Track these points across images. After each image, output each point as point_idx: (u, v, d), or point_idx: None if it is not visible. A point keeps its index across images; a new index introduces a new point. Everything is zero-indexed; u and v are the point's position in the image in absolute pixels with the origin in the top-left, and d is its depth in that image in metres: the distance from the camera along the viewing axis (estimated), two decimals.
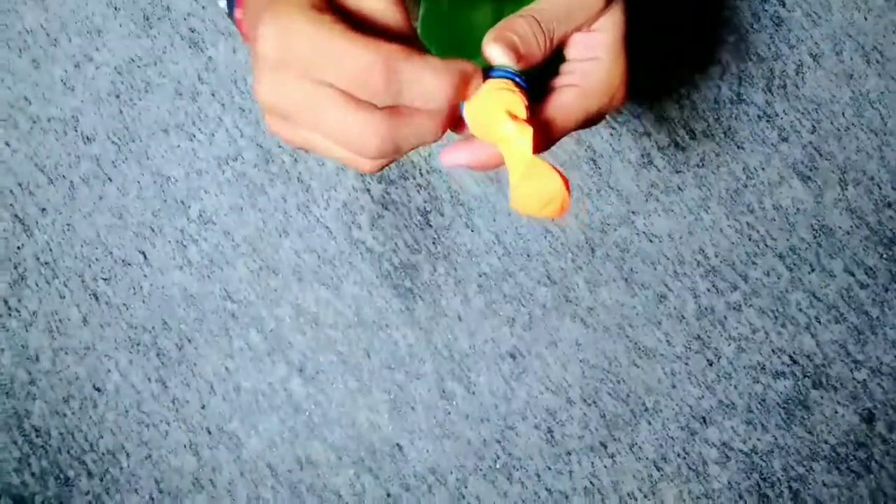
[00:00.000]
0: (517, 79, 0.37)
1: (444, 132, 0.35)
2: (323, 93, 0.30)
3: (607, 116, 0.50)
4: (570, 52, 0.39)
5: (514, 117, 0.37)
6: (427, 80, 0.31)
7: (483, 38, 0.39)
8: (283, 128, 0.32)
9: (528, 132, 0.35)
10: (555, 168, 0.36)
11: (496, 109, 0.36)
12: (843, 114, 0.65)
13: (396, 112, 0.31)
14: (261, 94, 0.30)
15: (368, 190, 0.64)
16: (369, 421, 0.61)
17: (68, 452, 0.61)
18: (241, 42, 0.67)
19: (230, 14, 0.47)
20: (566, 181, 0.37)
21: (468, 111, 0.37)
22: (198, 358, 0.62)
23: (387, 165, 0.34)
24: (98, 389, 0.62)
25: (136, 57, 0.67)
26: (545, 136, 0.38)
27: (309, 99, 0.30)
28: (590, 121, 0.38)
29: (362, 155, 0.31)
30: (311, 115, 0.30)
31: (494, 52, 0.35)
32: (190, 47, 0.67)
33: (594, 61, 0.38)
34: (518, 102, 0.36)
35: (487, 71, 0.37)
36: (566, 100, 0.38)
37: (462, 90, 0.33)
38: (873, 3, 0.66)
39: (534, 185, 0.36)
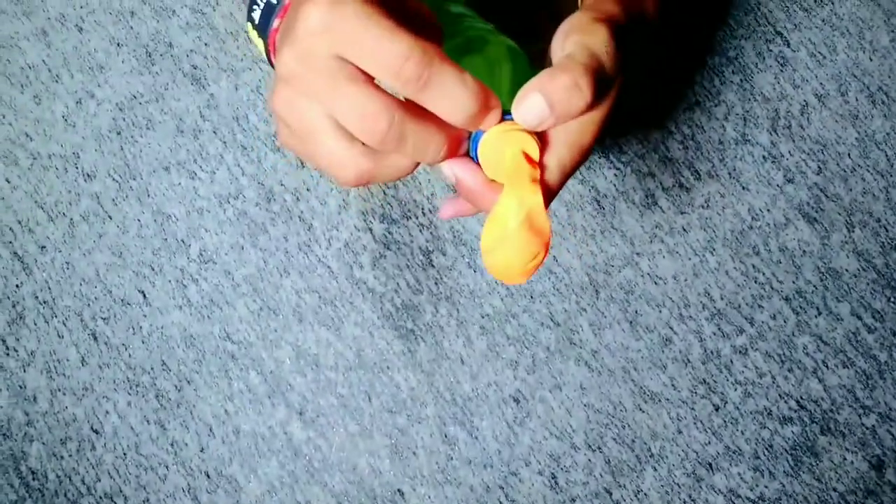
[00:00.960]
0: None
1: (443, 158, 0.35)
2: (319, 120, 0.32)
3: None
4: None
5: (529, 160, 0.37)
6: (455, 87, 0.32)
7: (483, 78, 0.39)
8: (288, 138, 0.34)
9: (538, 189, 0.36)
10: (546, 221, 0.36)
11: (512, 147, 0.36)
12: (848, 155, 0.65)
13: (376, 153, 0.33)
14: (272, 103, 0.33)
15: (370, 229, 0.64)
16: (370, 466, 0.60)
17: (65, 496, 0.60)
18: (242, 80, 0.67)
19: (261, 33, 0.47)
20: (547, 243, 0.37)
21: (482, 146, 0.37)
22: (197, 400, 0.61)
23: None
24: (96, 431, 0.61)
25: (138, 94, 0.67)
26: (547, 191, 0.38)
27: (308, 121, 0.32)
28: (566, 178, 0.38)
29: (340, 181, 0.34)
30: (307, 136, 0.33)
31: (525, 115, 0.34)
32: (192, 84, 0.67)
33: (581, 124, 0.38)
34: (534, 145, 0.37)
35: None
36: (563, 161, 0.38)
37: (482, 113, 0.34)
38: (878, 44, 0.66)
39: (526, 236, 0.36)
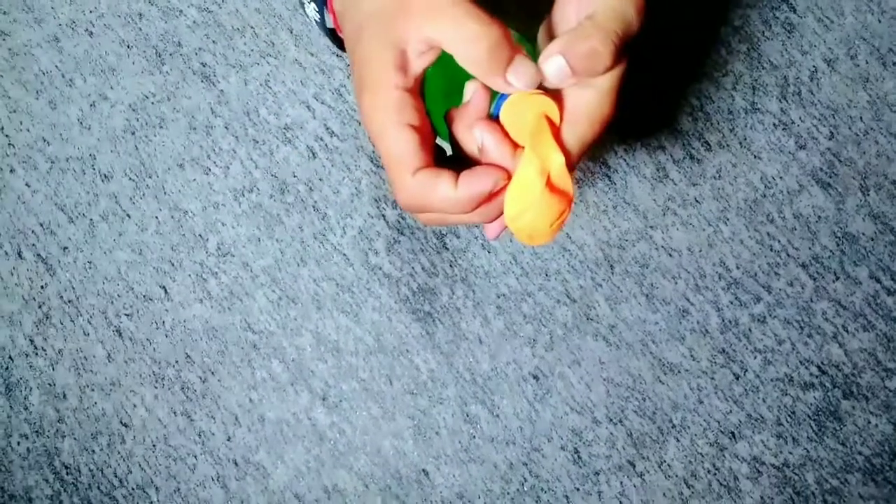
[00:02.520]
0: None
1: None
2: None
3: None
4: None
5: (551, 122, 0.39)
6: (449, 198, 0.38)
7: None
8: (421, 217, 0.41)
9: (558, 149, 0.38)
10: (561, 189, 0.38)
11: (534, 109, 0.38)
12: (860, 118, 0.65)
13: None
14: (399, 200, 0.40)
15: (384, 216, 0.65)
16: (394, 447, 0.61)
17: (99, 489, 0.62)
18: (251, 75, 0.68)
19: (321, 22, 0.48)
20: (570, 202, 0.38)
21: (504, 112, 0.39)
22: (221, 390, 0.63)
23: None
24: (125, 425, 0.63)
25: (150, 93, 0.69)
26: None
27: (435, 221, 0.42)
28: (584, 151, 0.40)
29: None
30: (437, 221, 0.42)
31: (550, 74, 0.37)
32: (202, 81, 0.69)
33: (591, 90, 0.39)
34: (554, 107, 0.39)
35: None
36: (579, 130, 0.40)
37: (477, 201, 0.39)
38: (886, 5, 0.66)
39: (550, 197, 0.38)
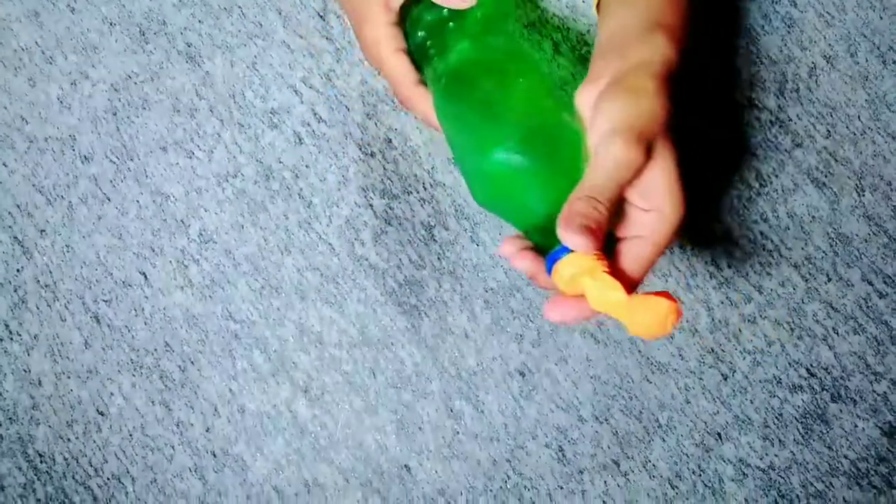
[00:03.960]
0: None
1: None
2: None
3: None
4: (632, 198, 0.44)
5: (608, 272, 0.41)
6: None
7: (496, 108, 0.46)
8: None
9: (614, 286, 0.40)
10: (653, 294, 0.39)
11: (580, 275, 0.41)
12: (858, 117, 0.63)
13: None
14: (406, 107, 0.54)
15: (371, 205, 0.63)
16: (376, 442, 0.60)
17: (73, 478, 0.61)
18: (237, 56, 0.66)
19: None
20: (670, 298, 0.41)
21: (558, 282, 0.42)
22: (201, 380, 0.61)
23: None
24: (101, 413, 0.61)
25: (133, 73, 0.67)
26: (628, 286, 0.43)
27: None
28: (648, 269, 0.45)
29: None
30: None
31: (574, 240, 0.41)
32: (187, 62, 0.67)
33: (657, 214, 0.43)
34: (598, 268, 0.41)
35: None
36: (641, 251, 0.44)
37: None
38: (888, 2, 0.65)
39: (644, 316, 0.40)
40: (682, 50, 0.46)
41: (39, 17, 0.68)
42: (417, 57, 0.53)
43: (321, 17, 0.67)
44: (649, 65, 0.44)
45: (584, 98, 0.44)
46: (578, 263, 0.41)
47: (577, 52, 0.64)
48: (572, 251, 0.41)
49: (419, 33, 0.53)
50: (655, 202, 0.43)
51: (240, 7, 0.67)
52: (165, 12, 0.67)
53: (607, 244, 0.43)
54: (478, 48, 0.51)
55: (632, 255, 0.44)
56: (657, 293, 0.41)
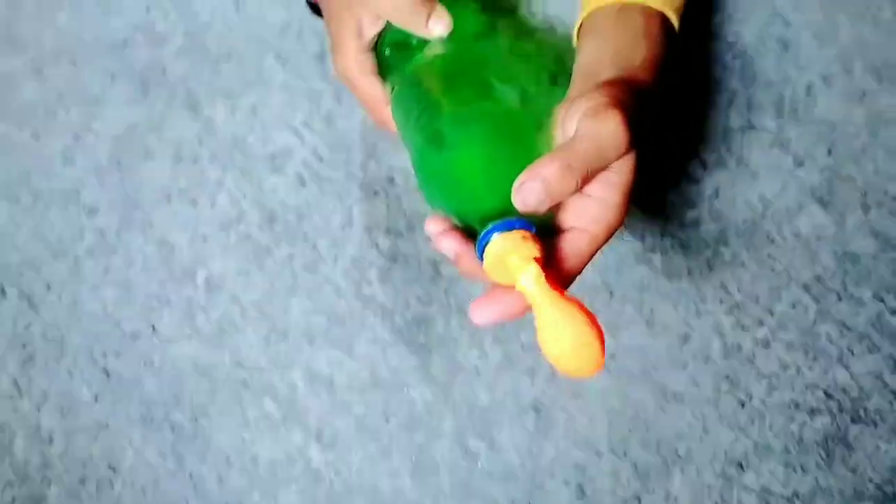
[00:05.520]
0: (531, 228, 0.37)
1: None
2: None
3: None
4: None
5: (539, 262, 0.37)
6: None
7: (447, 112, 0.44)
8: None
9: (541, 278, 0.36)
10: (585, 309, 0.36)
11: (512, 259, 0.36)
12: (858, 134, 0.62)
13: None
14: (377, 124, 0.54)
15: (376, 244, 0.62)
16: (392, 486, 0.58)
17: None
18: (238, 103, 0.65)
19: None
20: (598, 325, 0.36)
21: (486, 261, 0.37)
22: (212, 430, 0.59)
23: None
24: (113, 469, 0.59)
25: (135, 124, 0.66)
26: (560, 281, 0.39)
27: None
28: (585, 264, 0.41)
29: None
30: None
31: (524, 200, 0.37)
32: (188, 110, 0.66)
33: (603, 204, 0.40)
34: (533, 253, 0.36)
35: (502, 217, 0.37)
36: (579, 246, 0.40)
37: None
38: (881, 18, 0.64)
39: (564, 328, 0.36)
40: (651, 83, 0.45)
41: (42, 72, 0.67)
42: (384, 72, 0.53)
43: (319, 60, 0.66)
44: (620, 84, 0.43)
45: (562, 113, 0.42)
46: (513, 242, 0.37)
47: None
48: (508, 231, 0.37)
49: (386, 51, 0.52)
50: (607, 192, 0.39)
51: (239, 54, 0.66)
52: (165, 62, 0.67)
53: (544, 233, 0.39)
54: (436, 56, 0.50)
55: (571, 248, 0.40)
56: (586, 311, 0.37)
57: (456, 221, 0.42)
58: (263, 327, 0.61)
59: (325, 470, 0.58)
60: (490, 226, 0.37)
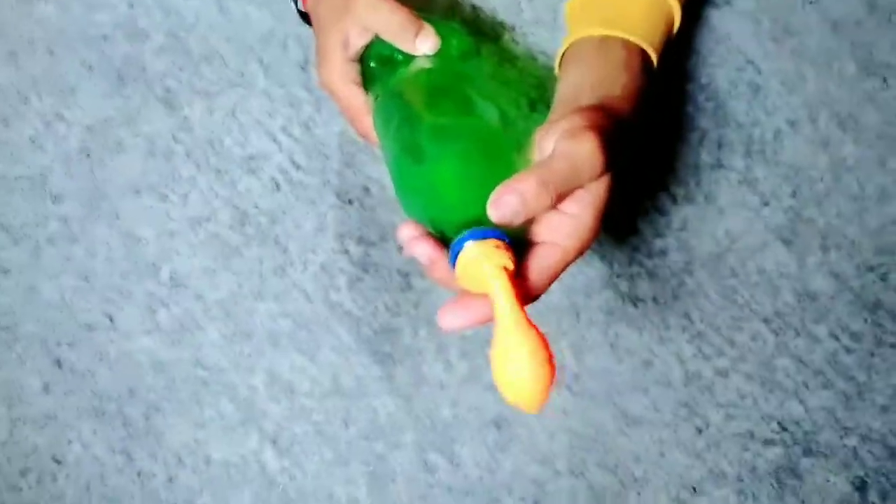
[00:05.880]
0: (504, 238, 0.39)
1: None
2: None
3: None
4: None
5: (510, 274, 0.39)
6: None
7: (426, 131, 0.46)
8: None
9: (511, 296, 0.37)
10: (545, 341, 0.37)
11: (483, 267, 0.38)
12: (821, 179, 0.65)
13: None
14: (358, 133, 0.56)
15: (347, 251, 0.62)
16: (347, 495, 0.58)
17: None
18: (217, 104, 0.66)
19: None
20: (552, 362, 0.38)
21: (458, 268, 0.39)
22: (166, 428, 0.59)
23: None
24: (58, 462, 0.58)
25: (109, 117, 0.66)
26: (528, 295, 0.41)
27: None
28: (554, 279, 0.43)
29: None
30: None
31: (500, 213, 0.39)
32: (164, 107, 0.66)
33: (576, 220, 0.41)
34: (506, 262, 0.38)
35: (478, 225, 0.40)
36: (550, 260, 0.41)
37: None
38: (845, 73, 0.68)
39: (521, 349, 0.37)
40: (630, 113, 0.49)
41: (17, 58, 0.67)
42: (368, 83, 0.55)
43: (302, 68, 0.67)
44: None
45: (541, 134, 0.45)
46: (486, 250, 0.38)
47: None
48: (482, 239, 0.39)
49: (371, 63, 0.55)
50: (579, 209, 0.41)
51: (221, 56, 0.67)
52: (145, 59, 0.67)
53: (517, 246, 0.41)
54: (420, 71, 0.53)
55: (542, 263, 0.41)
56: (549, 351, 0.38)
57: (430, 230, 0.43)
58: (227, 328, 0.61)
59: (280, 475, 0.58)
60: (465, 233, 0.40)
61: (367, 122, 0.54)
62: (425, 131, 0.46)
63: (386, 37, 0.52)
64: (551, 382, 0.38)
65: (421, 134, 0.46)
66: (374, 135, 0.54)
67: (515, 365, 0.37)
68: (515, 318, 0.37)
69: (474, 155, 0.45)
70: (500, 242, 0.39)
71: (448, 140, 0.46)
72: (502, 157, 0.45)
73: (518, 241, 0.41)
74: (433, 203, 0.44)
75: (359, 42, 0.53)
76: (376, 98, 0.54)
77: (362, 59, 0.55)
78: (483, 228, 0.39)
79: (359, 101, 0.54)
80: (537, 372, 0.37)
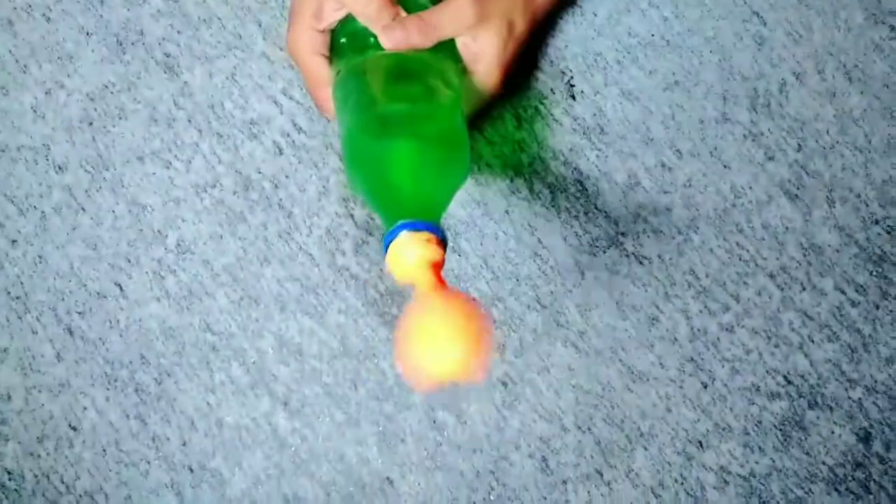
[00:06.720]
0: (437, 233, 0.42)
1: None
2: None
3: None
4: (464, 57, 0.54)
5: (435, 266, 0.42)
6: None
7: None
8: None
9: (435, 291, 0.40)
10: (471, 314, 0.39)
11: (412, 257, 0.41)
12: (827, 132, 0.65)
13: None
14: (317, 105, 0.60)
15: (352, 215, 0.63)
16: (358, 455, 0.59)
17: (43, 495, 0.59)
18: (217, 67, 0.66)
19: None
20: (482, 337, 0.40)
21: (389, 255, 0.42)
22: (178, 393, 0.60)
23: None
24: (74, 428, 0.60)
25: (109, 83, 0.66)
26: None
27: None
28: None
29: None
30: None
31: (390, 37, 0.51)
32: (165, 72, 0.66)
33: (474, 74, 0.54)
34: (434, 257, 0.41)
35: (413, 217, 0.42)
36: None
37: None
38: (853, 22, 0.67)
39: (441, 320, 0.39)
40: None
41: (14, 25, 0.67)
42: (333, 56, 0.57)
43: None
44: None
45: None
46: (418, 242, 0.41)
47: None
48: (415, 231, 0.41)
49: (342, 38, 0.56)
50: (477, 66, 0.53)
51: (219, 18, 0.67)
52: (143, 23, 0.67)
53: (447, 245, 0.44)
54: (389, 54, 0.54)
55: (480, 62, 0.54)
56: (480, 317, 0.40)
57: (370, 208, 0.47)
58: (235, 293, 0.62)
59: (291, 437, 0.59)
60: (399, 223, 0.42)
61: (326, 93, 0.55)
62: (381, 114, 0.49)
63: (362, 18, 0.53)
64: (472, 358, 0.40)
65: (377, 116, 0.49)
66: (331, 107, 0.55)
67: (435, 356, 0.40)
68: (439, 312, 0.40)
69: (426, 143, 0.47)
70: (431, 236, 0.41)
71: (402, 126, 0.48)
72: (454, 144, 0.48)
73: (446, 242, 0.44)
74: (378, 183, 0.47)
75: (333, 17, 0.54)
76: (338, 72, 0.54)
77: (333, 31, 0.56)
78: (417, 220, 0.42)
79: (322, 72, 0.56)
80: (456, 368, 0.40)
